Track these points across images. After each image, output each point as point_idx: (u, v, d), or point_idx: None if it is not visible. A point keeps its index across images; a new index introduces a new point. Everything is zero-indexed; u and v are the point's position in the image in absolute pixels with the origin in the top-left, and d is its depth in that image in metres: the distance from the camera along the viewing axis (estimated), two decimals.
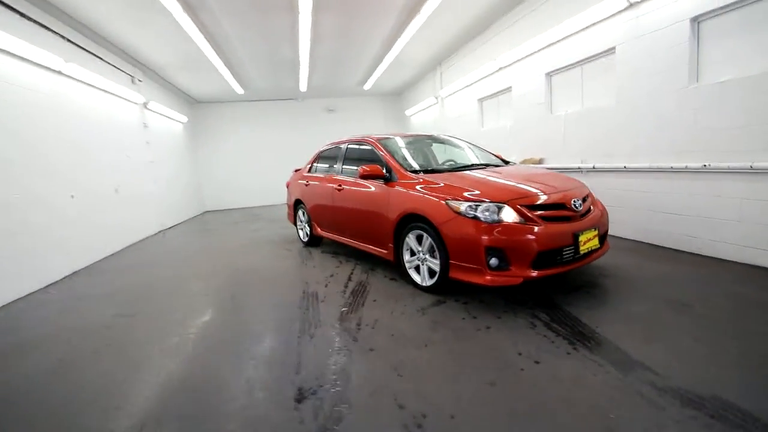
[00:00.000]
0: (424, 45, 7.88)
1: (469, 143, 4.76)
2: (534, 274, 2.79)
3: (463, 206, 2.94)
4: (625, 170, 4.50)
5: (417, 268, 3.47)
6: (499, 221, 2.83)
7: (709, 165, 3.61)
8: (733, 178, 3.45)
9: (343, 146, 4.80)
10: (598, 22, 4.67)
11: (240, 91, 10.21)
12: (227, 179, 12.29)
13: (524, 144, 6.43)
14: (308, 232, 5.54)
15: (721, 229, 3.60)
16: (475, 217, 2.88)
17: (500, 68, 6.82)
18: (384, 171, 3.75)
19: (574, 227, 2.96)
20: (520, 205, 2.90)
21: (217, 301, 3.55)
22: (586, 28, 4.86)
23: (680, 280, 3.23)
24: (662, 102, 4.04)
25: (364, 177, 3.85)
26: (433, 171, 3.71)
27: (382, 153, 3.99)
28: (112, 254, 5.99)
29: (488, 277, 2.81)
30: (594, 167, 4.94)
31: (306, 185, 5.43)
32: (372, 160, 4.13)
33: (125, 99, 7.06)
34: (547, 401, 1.81)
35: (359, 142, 4.55)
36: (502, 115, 7.20)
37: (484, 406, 1.81)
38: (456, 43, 8.00)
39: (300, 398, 1.96)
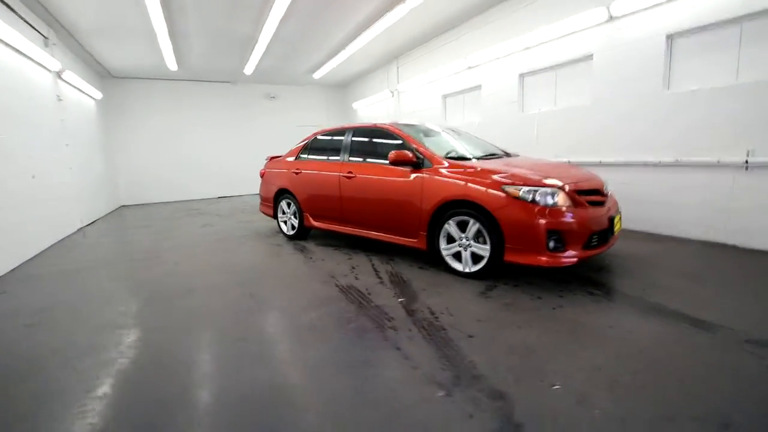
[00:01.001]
0: (386, 38, 7.83)
1: (468, 134, 4.89)
2: (586, 254, 3.01)
3: (522, 191, 3.02)
4: (601, 164, 5.09)
5: (455, 256, 3.46)
6: (555, 204, 2.98)
7: (680, 160, 4.29)
8: (701, 171, 4.15)
9: (348, 132, 4.53)
10: (578, 31, 5.18)
11: (173, 67, 8.91)
12: (148, 169, 10.65)
13: (493, 139, 6.82)
14: (295, 224, 5.12)
15: (691, 214, 4.29)
16: (534, 201, 2.97)
17: (470, 67, 7.13)
18: (415, 157, 3.65)
19: (610, 211, 3.26)
20: (570, 190, 3.09)
21: (259, 312, 3.07)
22: (566, 35, 5.36)
23: (674, 257, 3.78)
24: (638, 105, 4.66)
25: (394, 163, 3.70)
26: (462, 158, 3.73)
27: (407, 139, 3.87)
28: (34, 257, 4.77)
29: (545, 258, 2.94)
30: (569, 161, 5.48)
31: (296, 174, 4.99)
32: (392, 147, 4.01)
33: (38, 63, 5.64)
34: (674, 364, 1.96)
35: (371, 128, 4.34)
36: (469, 112, 7.55)
37: (638, 375, 1.89)
38: (419, 39, 8.13)
39: (449, 393, 1.81)
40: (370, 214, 4.13)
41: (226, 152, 11.48)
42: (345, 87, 12.81)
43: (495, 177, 3.19)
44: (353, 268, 3.84)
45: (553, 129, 5.75)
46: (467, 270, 3.37)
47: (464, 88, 7.45)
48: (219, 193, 11.55)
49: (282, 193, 5.28)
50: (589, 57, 5.16)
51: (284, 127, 12.17)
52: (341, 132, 4.66)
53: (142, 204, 10.58)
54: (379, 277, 3.52)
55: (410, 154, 3.63)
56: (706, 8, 3.94)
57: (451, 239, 3.47)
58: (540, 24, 5.62)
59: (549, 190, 3.01)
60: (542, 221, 2.92)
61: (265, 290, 3.32)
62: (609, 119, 4.99)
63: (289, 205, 5.22)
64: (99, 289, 3.57)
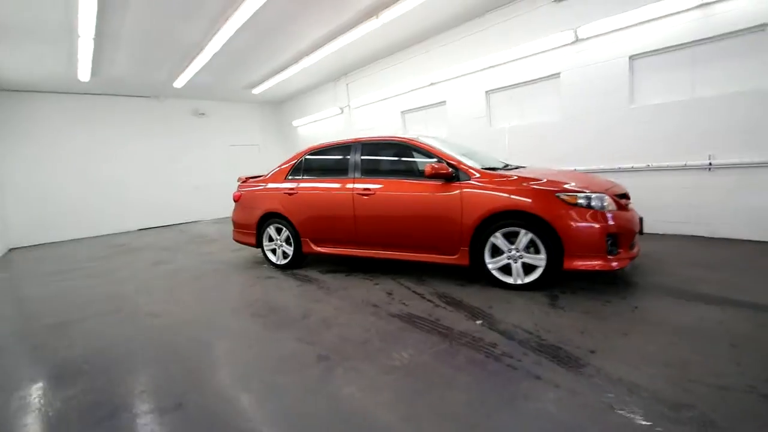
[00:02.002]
0: (338, 55, 7.65)
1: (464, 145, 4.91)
2: (631, 255, 3.15)
3: (580, 197, 3.06)
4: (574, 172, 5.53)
5: (501, 269, 3.36)
6: (607, 209, 3.08)
7: (651, 165, 4.86)
8: (671, 174, 4.74)
9: (355, 147, 4.17)
10: (546, 51, 5.63)
11: (85, 77, 7.43)
12: (47, 202, 8.65)
13: None
14: (289, 252, 4.52)
15: (666, 212, 4.85)
16: (590, 207, 3.03)
17: (433, 83, 7.29)
18: (450, 170, 3.49)
19: (638, 214, 3.49)
20: (612, 194, 3.23)
21: (356, 372, 2.51)
22: (533, 55, 5.78)
23: (670, 250, 4.19)
24: (606, 118, 5.19)
25: (431, 177, 3.49)
26: (492, 169, 3.69)
27: (434, 152, 3.70)
28: None
29: (604, 262, 2.99)
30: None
31: (289, 195, 4.44)
32: (414, 161, 3.83)
33: None
34: None
35: (387, 142, 4.07)
36: (433, 127, 7.66)
37: None
38: (374, 56, 8.09)
39: (647, 418, 1.65)
40: (396, 234, 3.82)
41: (147, 177, 9.92)
42: (281, 104, 12.16)
43: (543, 186, 3.20)
44: (389, 293, 3.48)
45: (525, 142, 6.12)
46: (518, 282, 3.28)
47: (427, 103, 7.58)
48: (141, 225, 9.87)
49: (269, 218, 4.64)
50: (557, 75, 5.63)
51: (215, 148, 11.05)
52: (344, 147, 4.29)
53: (41, 244, 8.50)
54: (429, 300, 3.23)
55: (447, 167, 3.47)
56: (663, 35, 4.59)
57: (495, 252, 3.37)
58: (507, 44, 5.99)
59: (602, 195, 3.10)
60: (602, 226, 2.98)
61: (322, 338, 2.76)
62: (579, 132, 5.47)
63: (279, 230, 4.60)
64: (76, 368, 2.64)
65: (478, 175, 3.45)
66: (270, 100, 11.60)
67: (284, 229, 4.53)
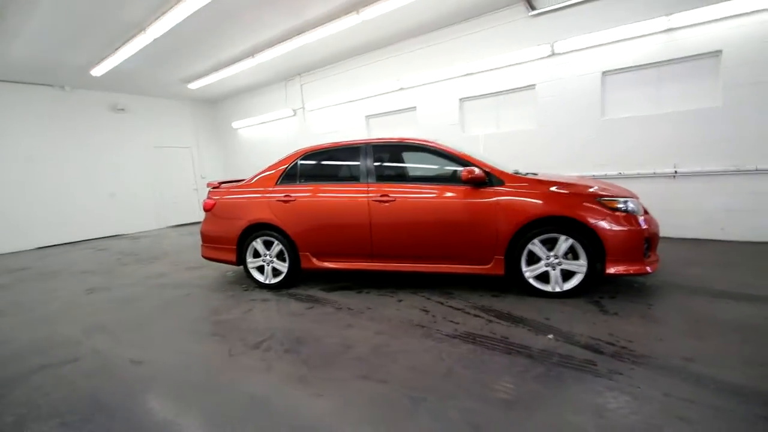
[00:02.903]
0: (293, 54, 7.11)
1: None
2: (658, 257, 3.28)
3: (620, 202, 3.07)
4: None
5: (538, 277, 3.24)
6: (641, 213, 3.15)
7: (623, 173, 5.26)
8: (641, 181, 5.17)
9: (366, 149, 3.74)
10: (522, 62, 5.82)
11: None
12: None
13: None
14: (282, 269, 3.89)
15: None
16: (629, 211, 3.07)
17: (402, 88, 7.12)
18: (485, 175, 3.29)
19: None
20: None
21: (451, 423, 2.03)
22: (509, 66, 5.94)
23: (664, 251, 4.52)
24: (580, 129, 5.52)
25: (468, 182, 3.25)
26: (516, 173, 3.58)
27: (459, 155, 3.47)
28: None
29: (641, 266, 3.04)
30: None
31: (284, 203, 3.82)
32: (436, 165, 3.57)
33: None
34: None
35: (401, 143, 3.73)
36: (403, 132, 7.46)
37: None
38: (336, 56, 7.67)
39: None
40: (419, 244, 3.48)
41: (50, 183, 8.04)
42: (218, 102, 10.94)
43: (582, 191, 3.17)
44: (425, 311, 3.13)
45: (500, 150, 6.23)
46: (557, 290, 3.19)
47: (395, 108, 7.38)
48: (41, 242, 7.94)
49: (255, 230, 3.95)
50: (532, 87, 5.86)
51: (136, 149, 9.47)
52: (350, 150, 3.83)
53: None
54: (476, 316, 2.96)
55: (482, 172, 3.26)
56: (633, 54, 5.02)
57: (531, 260, 3.24)
58: (483, 54, 6.09)
59: (635, 199, 3.17)
60: (639, 229, 3.03)
61: (393, 372, 2.29)
62: (554, 141, 5.74)
63: (269, 244, 3.93)
64: None
65: (514, 179, 3.32)
66: (206, 97, 10.35)
67: (276, 242, 3.88)
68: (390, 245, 3.56)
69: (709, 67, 4.66)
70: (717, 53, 4.56)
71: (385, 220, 3.52)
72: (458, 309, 3.12)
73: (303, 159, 3.97)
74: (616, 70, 5.20)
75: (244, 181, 4.21)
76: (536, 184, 3.27)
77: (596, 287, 3.36)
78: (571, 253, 3.14)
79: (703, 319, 2.66)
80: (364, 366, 2.32)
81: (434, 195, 3.43)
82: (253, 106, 9.96)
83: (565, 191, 3.19)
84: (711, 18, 4.47)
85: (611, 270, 3.05)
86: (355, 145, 3.81)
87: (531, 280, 3.25)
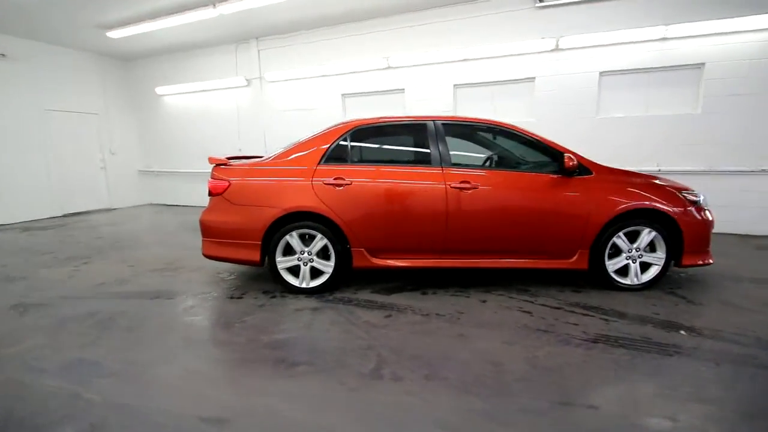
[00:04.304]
0: (257, 11, 6.05)
1: None
2: None
3: (698, 195, 3.15)
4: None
5: (617, 270, 3.19)
6: (708, 206, 3.29)
7: None
8: None
9: (432, 126, 3.20)
10: (524, 54, 5.79)
11: None
12: None
13: None
14: (326, 269, 3.15)
15: None
16: (701, 204, 3.17)
17: (390, 67, 6.56)
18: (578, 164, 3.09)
19: None
20: None
21: None
22: (509, 56, 5.86)
23: None
24: (576, 125, 5.74)
25: (570, 171, 3.01)
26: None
27: (546, 141, 3.23)
28: None
29: (707, 258, 3.20)
30: None
31: (336, 187, 3.07)
32: (517, 149, 3.27)
33: None
34: None
35: (476, 123, 3.36)
36: (384, 113, 6.86)
37: None
38: (308, 22, 6.72)
39: None
40: (501, 237, 3.13)
41: None
42: (139, 61, 8.80)
43: (665, 183, 3.19)
44: (526, 312, 2.81)
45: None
46: (635, 282, 3.18)
47: (380, 89, 6.78)
48: None
49: (290, 220, 3.11)
50: (532, 79, 5.90)
51: (22, 111, 7.11)
52: (413, 127, 3.29)
53: None
54: (585, 314, 2.76)
55: (574, 160, 3.04)
56: (629, 58, 5.36)
57: (616, 253, 3.17)
58: (482, 40, 5.91)
59: (702, 193, 3.29)
60: (709, 222, 3.17)
61: (586, 395, 1.91)
62: (551, 135, 5.84)
63: (308, 239, 3.14)
64: None
65: (602, 169, 3.21)
66: (124, 52, 8.22)
67: (319, 236, 3.12)
68: (467, 238, 3.14)
69: (692, 78, 5.22)
70: (701, 65, 5.12)
71: (464, 210, 3.07)
72: (555, 308, 2.88)
73: (353, 135, 3.26)
74: (612, 71, 5.51)
75: (267, 158, 3.31)
76: (623, 176, 3.21)
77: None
78: (649, 246, 3.15)
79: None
80: (548, 388, 1.90)
81: (521, 183, 3.12)
82: (190, 69, 8.25)
83: (654, 184, 3.18)
84: (699, 33, 4.98)
85: (687, 262, 3.14)
86: (420, 122, 3.26)
87: (612, 274, 3.18)
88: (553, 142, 3.24)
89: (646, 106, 5.47)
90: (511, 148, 3.40)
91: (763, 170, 4.95)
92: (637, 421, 1.67)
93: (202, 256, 3.34)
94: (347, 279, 3.52)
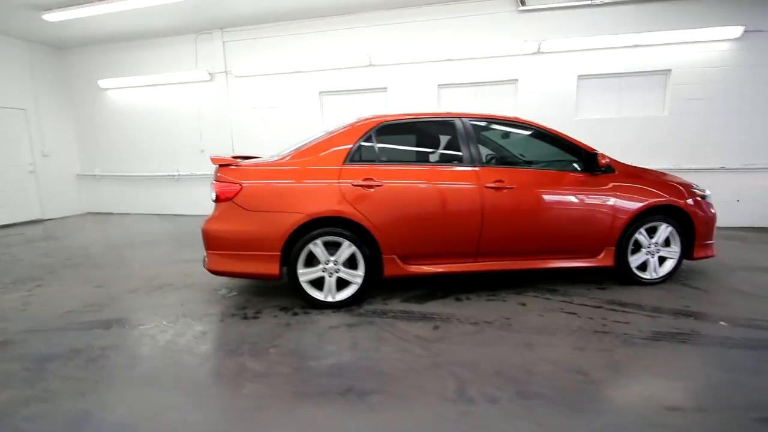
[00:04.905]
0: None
1: None
2: None
3: (705, 191, 3.32)
4: None
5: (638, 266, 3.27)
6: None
7: None
8: None
9: (461, 123, 3.05)
10: (508, 56, 5.88)
11: None
12: None
13: None
14: (356, 280, 2.86)
15: None
16: (708, 199, 3.36)
17: (372, 65, 6.33)
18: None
19: None
20: None
21: None
22: (493, 57, 5.92)
23: None
24: (556, 126, 5.84)
25: (602, 169, 3.03)
26: None
27: (570, 139, 3.23)
28: None
29: (712, 250, 3.40)
30: None
31: (367, 188, 2.79)
32: (543, 148, 3.24)
33: None
34: None
35: (505, 121, 3.30)
36: (365, 113, 6.58)
37: None
38: (281, 14, 6.28)
39: None
40: (534, 238, 3.07)
41: None
42: (77, 50, 7.65)
43: (677, 180, 3.33)
44: (571, 313, 2.76)
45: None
46: (654, 277, 3.28)
47: (361, 87, 6.52)
48: None
49: (315, 227, 2.78)
50: (515, 81, 6.01)
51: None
52: (441, 124, 3.14)
53: None
54: (625, 311, 2.77)
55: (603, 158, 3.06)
56: (604, 63, 5.66)
57: (635, 249, 3.25)
58: (465, 40, 5.92)
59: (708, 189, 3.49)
60: (714, 216, 3.37)
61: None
62: None
63: (332, 247, 2.82)
64: None
65: (623, 166, 3.28)
66: (59, 39, 7.09)
67: (346, 243, 2.81)
68: (502, 240, 3.03)
69: (660, 83, 5.63)
70: (667, 71, 5.55)
71: (500, 211, 2.96)
72: (596, 307, 2.87)
73: (378, 132, 3.00)
74: (589, 75, 5.79)
75: (283, 157, 2.93)
76: (641, 172, 3.31)
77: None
78: (664, 241, 3.28)
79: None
80: (671, 394, 1.82)
81: (553, 181, 3.08)
82: (141, 61, 7.34)
83: (668, 180, 3.30)
84: (666, 41, 5.39)
85: (698, 254, 3.30)
86: (448, 119, 3.10)
87: (635, 270, 3.25)
88: (576, 140, 3.25)
89: (619, 108, 5.82)
90: (536, 145, 3.36)
91: (723, 167, 5.48)
92: None
93: (204, 272, 2.89)
94: (372, 290, 3.24)
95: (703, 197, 3.31)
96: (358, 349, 2.31)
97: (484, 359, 2.17)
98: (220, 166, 2.86)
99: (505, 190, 2.95)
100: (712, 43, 5.29)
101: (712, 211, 3.35)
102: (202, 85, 7.16)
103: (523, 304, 2.93)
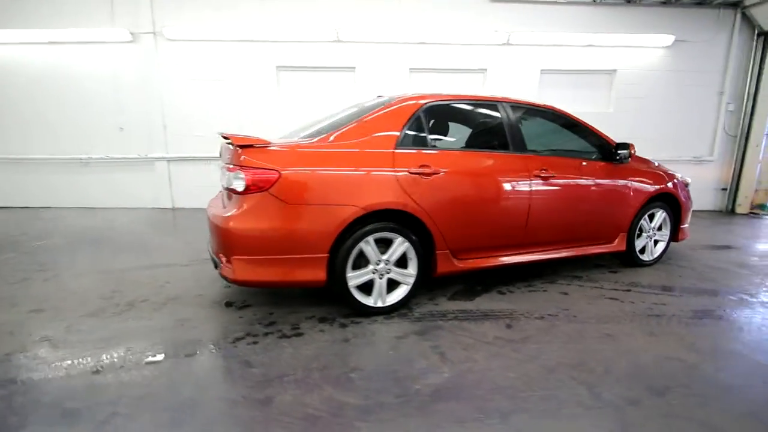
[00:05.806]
0: None
1: None
2: None
3: (688, 179, 3.72)
4: None
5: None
6: None
7: None
8: None
9: (503, 108, 2.89)
10: (477, 44, 5.90)
11: None
12: None
13: None
14: (408, 279, 2.54)
15: None
16: (688, 186, 3.78)
17: (339, 40, 5.79)
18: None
19: None
20: None
21: None
22: (463, 45, 5.89)
23: None
24: None
25: (623, 158, 3.20)
26: None
27: (591, 127, 3.34)
28: None
29: (686, 233, 3.87)
30: None
31: (424, 177, 2.47)
32: (572, 136, 3.29)
33: None
34: None
35: (538, 108, 3.23)
36: (330, 95, 6.04)
37: None
38: None
39: None
40: (569, 226, 3.12)
41: None
42: None
43: (666, 169, 3.66)
44: (614, 299, 2.86)
45: None
46: (650, 259, 3.62)
47: (326, 65, 5.95)
48: None
49: (367, 222, 2.37)
50: (484, 70, 6.07)
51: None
52: (486, 105, 2.95)
53: None
54: (654, 293, 2.97)
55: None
56: (562, 60, 6.05)
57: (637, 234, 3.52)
58: (438, 24, 5.79)
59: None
60: (691, 201, 3.82)
61: None
62: None
63: (382, 244, 2.45)
64: None
65: (636, 155, 3.46)
66: None
67: (399, 239, 2.47)
68: (543, 230, 3.01)
69: (607, 82, 6.24)
70: (614, 71, 6.16)
71: (544, 200, 2.93)
72: (626, 290, 3.03)
73: (426, 113, 2.66)
74: (551, 70, 6.14)
75: (323, 139, 2.42)
76: (646, 162, 3.55)
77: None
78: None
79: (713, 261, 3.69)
80: None
81: (586, 170, 3.15)
82: (31, 11, 5.58)
83: (663, 169, 3.61)
84: (615, 44, 5.96)
85: (681, 237, 3.72)
86: (494, 102, 2.93)
87: (638, 253, 3.53)
88: (594, 128, 3.38)
89: (574, 103, 6.28)
90: (565, 134, 3.38)
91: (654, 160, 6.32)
92: None
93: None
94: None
95: (687, 185, 3.73)
96: (451, 361, 2.04)
97: (585, 356, 2.08)
98: (244, 146, 2.25)
99: (548, 178, 2.91)
100: (650, 49, 6.02)
101: (690, 197, 3.80)
102: (122, 47, 5.78)
103: (565, 294, 2.95)
